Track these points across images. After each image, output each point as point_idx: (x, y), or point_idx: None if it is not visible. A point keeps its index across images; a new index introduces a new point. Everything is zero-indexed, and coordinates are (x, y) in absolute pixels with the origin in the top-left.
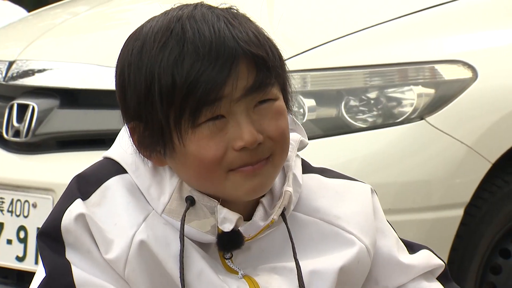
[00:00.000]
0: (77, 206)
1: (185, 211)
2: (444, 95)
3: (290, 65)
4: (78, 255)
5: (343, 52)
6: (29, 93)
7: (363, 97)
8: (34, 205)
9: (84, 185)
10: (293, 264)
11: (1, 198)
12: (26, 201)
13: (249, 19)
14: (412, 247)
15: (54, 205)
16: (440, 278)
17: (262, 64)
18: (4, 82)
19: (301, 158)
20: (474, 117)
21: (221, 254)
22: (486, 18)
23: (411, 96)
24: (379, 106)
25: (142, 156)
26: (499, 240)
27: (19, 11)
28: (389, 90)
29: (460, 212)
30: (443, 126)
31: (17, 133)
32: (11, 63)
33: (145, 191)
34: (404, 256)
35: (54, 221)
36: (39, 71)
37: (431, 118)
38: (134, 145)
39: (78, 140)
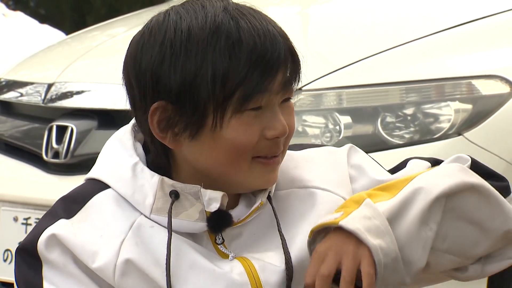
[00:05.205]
0: (58, 226)
1: (171, 204)
2: (481, 110)
3: (325, 82)
4: (54, 272)
5: (378, 69)
6: (68, 114)
7: (399, 113)
8: None
9: (69, 205)
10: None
11: None
12: None
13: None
14: (399, 167)
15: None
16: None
17: (297, 62)
18: (43, 104)
19: None
20: None
21: (213, 239)
22: None
23: (449, 112)
24: (416, 122)
25: (156, 137)
26: None
27: (58, 34)
28: (426, 106)
29: None
30: (481, 141)
31: (56, 155)
32: (50, 86)
33: (130, 198)
34: (386, 176)
35: (33, 238)
36: (77, 93)
37: (469, 134)
38: (150, 126)
39: None
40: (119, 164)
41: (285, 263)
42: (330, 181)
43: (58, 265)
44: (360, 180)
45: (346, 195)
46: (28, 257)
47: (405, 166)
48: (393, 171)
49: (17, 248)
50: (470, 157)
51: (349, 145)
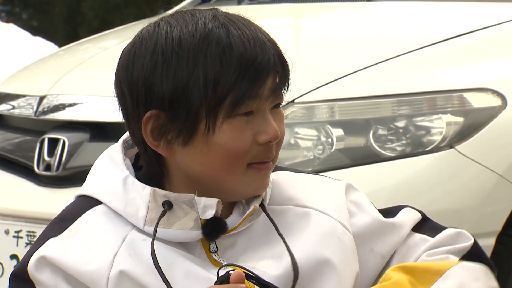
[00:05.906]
0: (47, 247)
1: (162, 213)
2: (473, 123)
3: (318, 95)
4: None
5: (371, 81)
6: (60, 127)
7: (391, 126)
8: None
9: (59, 224)
10: (278, 249)
11: (33, 232)
12: None
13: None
14: (392, 212)
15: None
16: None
17: (286, 68)
18: (35, 117)
19: None
20: (504, 145)
21: (207, 248)
22: None
23: (440, 125)
24: (408, 135)
25: (150, 145)
26: None
27: (50, 47)
28: (418, 118)
29: (491, 241)
30: (472, 154)
31: (48, 167)
32: (42, 98)
33: (123, 211)
34: (387, 219)
35: (23, 263)
36: (69, 105)
37: (460, 147)
38: (144, 134)
39: None
40: (110, 178)
41: (291, 263)
42: (328, 206)
43: (49, 287)
44: (360, 215)
45: (344, 221)
46: (21, 282)
47: (397, 212)
48: (385, 212)
49: (10, 274)
50: (473, 236)
51: (346, 181)
